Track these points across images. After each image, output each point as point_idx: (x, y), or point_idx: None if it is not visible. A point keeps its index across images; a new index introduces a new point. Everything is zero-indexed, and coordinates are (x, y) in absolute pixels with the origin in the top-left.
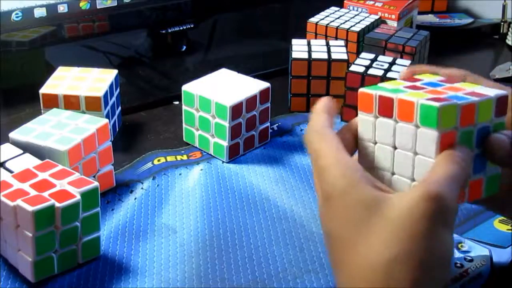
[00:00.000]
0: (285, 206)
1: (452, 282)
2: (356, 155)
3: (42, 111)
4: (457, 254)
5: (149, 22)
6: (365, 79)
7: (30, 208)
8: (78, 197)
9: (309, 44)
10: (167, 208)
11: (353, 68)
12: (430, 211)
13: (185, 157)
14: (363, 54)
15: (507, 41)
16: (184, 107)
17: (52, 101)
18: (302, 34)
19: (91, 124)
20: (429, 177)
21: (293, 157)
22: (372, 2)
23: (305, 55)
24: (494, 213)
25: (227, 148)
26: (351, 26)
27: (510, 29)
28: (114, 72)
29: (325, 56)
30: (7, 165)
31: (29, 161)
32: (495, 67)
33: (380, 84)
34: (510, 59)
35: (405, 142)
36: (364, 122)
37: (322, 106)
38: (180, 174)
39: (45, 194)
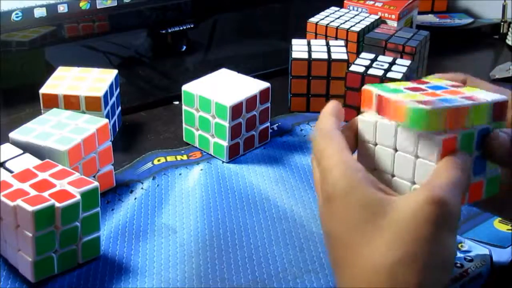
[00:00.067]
0: (285, 206)
1: (452, 282)
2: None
3: (42, 111)
4: (457, 254)
5: (149, 22)
6: (365, 79)
7: (30, 208)
8: (78, 197)
9: (309, 44)
10: (167, 208)
11: (353, 68)
12: (434, 215)
13: (185, 157)
14: (363, 54)
15: (507, 41)
16: (184, 107)
17: (52, 101)
18: (302, 34)
19: (91, 124)
20: (432, 182)
21: (293, 157)
22: (372, 2)
23: (305, 55)
24: None
25: (227, 148)
26: (351, 26)
27: (510, 29)
28: (114, 72)
29: (325, 56)
30: (7, 165)
31: (29, 161)
32: (495, 67)
33: (385, 84)
34: (510, 59)
35: (406, 145)
36: (365, 123)
37: (330, 108)
38: (180, 174)
39: (45, 194)
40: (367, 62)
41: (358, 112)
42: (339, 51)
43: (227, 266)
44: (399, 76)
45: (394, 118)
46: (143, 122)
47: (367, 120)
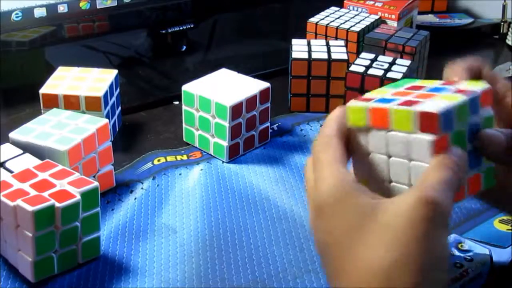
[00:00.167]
0: (285, 206)
1: (452, 282)
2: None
3: (42, 111)
4: (457, 254)
5: (149, 22)
6: (365, 79)
7: (30, 208)
8: (78, 197)
9: (309, 44)
10: (167, 208)
11: (353, 68)
12: (426, 215)
13: (185, 157)
14: (363, 54)
15: (507, 41)
16: (184, 107)
17: (52, 101)
18: (302, 34)
19: (91, 124)
20: (423, 182)
21: (293, 157)
22: (372, 2)
23: (305, 55)
24: (494, 213)
25: (227, 148)
26: (351, 26)
27: (510, 29)
28: (114, 72)
29: (325, 56)
30: (7, 165)
31: (29, 161)
32: (495, 67)
33: (367, 94)
34: (510, 59)
35: (398, 150)
36: (357, 133)
37: (336, 115)
38: (180, 174)
39: (45, 194)
40: (367, 62)
41: None
42: (339, 51)
43: (227, 266)
44: (399, 76)
45: (382, 125)
46: (143, 122)
47: (358, 132)
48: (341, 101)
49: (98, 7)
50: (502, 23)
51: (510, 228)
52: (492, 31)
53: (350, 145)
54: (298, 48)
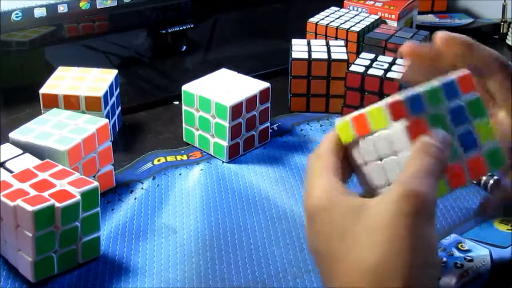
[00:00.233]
0: (285, 206)
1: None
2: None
3: (42, 111)
4: (457, 254)
5: (149, 22)
6: (365, 79)
7: (30, 208)
8: (78, 197)
9: (309, 44)
10: (167, 208)
11: (353, 68)
12: (409, 209)
13: (185, 157)
14: (363, 54)
15: (507, 41)
16: (184, 107)
17: (52, 101)
18: (302, 34)
19: (91, 124)
20: (403, 176)
21: (293, 157)
22: (372, 2)
23: (305, 55)
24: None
25: (227, 148)
26: (351, 26)
27: (510, 29)
28: (114, 72)
29: (325, 56)
30: (7, 165)
31: (29, 161)
32: None
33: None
34: (510, 59)
35: (384, 150)
36: (351, 150)
37: (329, 137)
38: (180, 174)
39: (45, 194)
40: (367, 62)
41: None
42: (339, 51)
43: (227, 266)
44: (399, 76)
45: (365, 131)
46: (143, 122)
47: (352, 145)
48: (341, 101)
49: (98, 7)
50: (502, 23)
51: (510, 228)
52: (492, 31)
53: (351, 162)
54: (298, 48)
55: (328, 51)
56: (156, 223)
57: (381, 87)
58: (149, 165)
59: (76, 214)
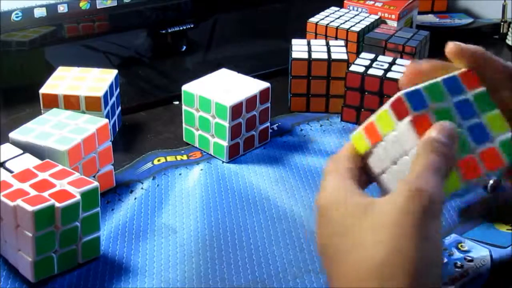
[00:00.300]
0: (285, 206)
1: (452, 282)
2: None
3: (42, 111)
4: (457, 254)
5: (149, 22)
6: (365, 79)
7: (30, 208)
8: (78, 197)
9: (309, 44)
10: (167, 208)
11: (353, 68)
12: (415, 208)
13: (185, 157)
14: (363, 54)
15: (507, 41)
16: (184, 107)
17: (52, 101)
18: (302, 34)
19: (91, 124)
20: (410, 175)
21: (293, 157)
22: (372, 2)
23: (305, 55)
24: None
25: (227, 148)
26: (351, 26)
27: (510, 29)
28: (114, 72)
29: (325, 56)
30: (7, 165)
31: (29, 161)
32: None
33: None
34: (510, 59)
35: (396, 151)
36: (369, 162)
37: (347, 148)
38: (180, 174)
39: (45, 194)
40: (367, 62)
41: (358, 112)
42: (339, 51)
43: (227, 266)
44: (399, 76)
45: (377, 138)
46: (143, 122)
47: (368, 156)
48: (341, 101)
49: (98, 7)
50: (502, 23)
51: (510, 228)
52: (492, 31)
53: (369, 174)
54: (298, 48)
55: (328, 51)
56: (156, 223)
57: (381, 87)
58: (149, 165)
59: (76, 214)
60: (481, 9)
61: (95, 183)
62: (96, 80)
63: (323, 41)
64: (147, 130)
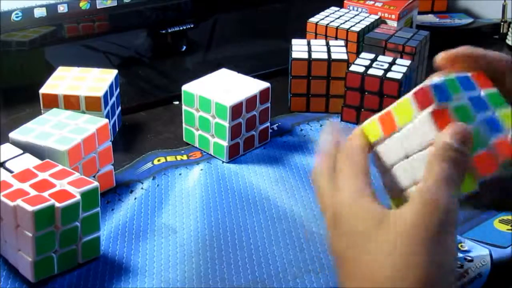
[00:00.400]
0: (285, 206)
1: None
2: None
3: (42, 111)
4: (457, 254)
5: (149, 22)
6: (365, 79)
7: (30, 208)
8: (78, 197)
9: (309, 44)
10: (167, 208)
11: (353, 68)
12: (430, 222)
13: (185, 157)
14: (363, 54)
15: (507, 41)
16: (184, 107)
17: (52, 101)
18: (302, 34)
19: (91, 124)
20: (423, 185)
21: (293, 157)
22: (372, 2)
23: (305, 55)
24: (494, 213)
25: (227, 148)
26: (351, 26)
27: (510, 29)
28: (114, 72)
29: (325, 56)
30: (7, 165)
31: (29, 161)
32: None
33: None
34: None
35: (412, 143)
36: (378, 152)
37: (359, 132)
38: (180, 174)
39: (45, 194)
40: (367, 62)
41: (358, 112)
42: (339, 51)
43: (227, 266)
44: (399, 76)
45: (393, 128)
46: (143, 122)
47: (378, 145)
48: (341, 101)
49: (98, 7)
50: (502, 23)
51: (510, 228)
52: (492, 31)
53: (376, 165)
54: (298, 48)
55: (328, 51)
56: (156, 223)
57: (381, 87)
58: (149, 165)
59: (76, 214)
60: (481, 9)
61: (95, 183)
62: (96, 80)
63: (323, 41)
64: (147, 130)
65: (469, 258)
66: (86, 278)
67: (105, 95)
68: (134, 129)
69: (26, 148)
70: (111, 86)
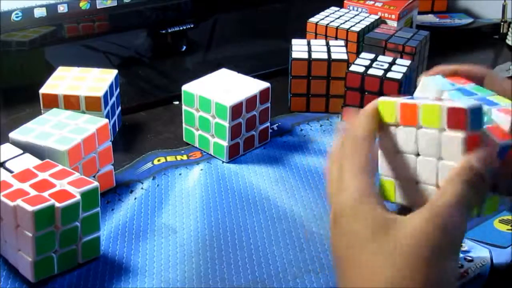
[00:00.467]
0: (285, 206)
1: None
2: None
3: (42, 111)
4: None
5: (149, 22)
6: (365, 79)
7: (30, 208)
8: (78, 197)
9: (309, 44)
10: (167, 208)
11: (353, 68)
12: (433, 241)
13: (185, 157)
14: (363, 54)
15: (507, 41)
16: (184, 107)
17: (52, 101)
18: (302, 34)
19: (91, 124)
20: (436, 201)
21: (293, 157)
22: (372, 2)
23: (305, 55)
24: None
25: (227, 148)
26: (351, 26)
27: (510, 29)
28: (114, 72)
29: (325, 56)
30: (7, 165)
31: (29, 161)
32: (495, 67)
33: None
34: (510, 59)
35: (428, 148)
36: (386, 131)
37: (369, 112)
38: (180, 174)
39: (45, 194)
40: (367, 62)
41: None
42: (339, 51)
43: (227, 266)
44: (399, 76)
45: (411, 122)
46: (143, 122)
47: (388, 127)
48: (341, 101)
49: (98, 7)
50: (502, 23)
51: (510, 228)
52: (492, 31)
53: (379, 142)
54: (298, 48)
55: (328, 51)
56: (156, 223)
57: (381, 87)
58: (149, 165)
59: (76, 214)
60: (481, 9)
61: (95, 183)
62: (96, 80)
63: (323, 41)
64: (147, 130)
65: (469, 258)
66: (86, 278)
67: (105, 95)
68: (134, 129)
69: (26, 148)
70: (111, 86)
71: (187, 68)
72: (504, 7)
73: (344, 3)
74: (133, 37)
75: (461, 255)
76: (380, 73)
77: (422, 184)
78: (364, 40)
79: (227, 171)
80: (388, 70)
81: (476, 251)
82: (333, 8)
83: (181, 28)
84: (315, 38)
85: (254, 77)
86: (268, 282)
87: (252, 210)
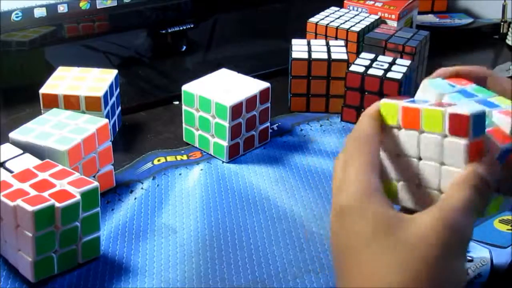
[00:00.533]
0: (285, 206)
1: None
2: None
3: (42, 111)
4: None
5: (149, 22)
6: (365, 79)
7: (30, 208)
8: (78, 197)
9: (309, 44)
10: (167, 208)
11: (353, 68)
12: (443, 240)
13: (185, 157)
14: (363, 54)
15: (507, 41)
16: (184, 107)
17: (52, 101)
18: (302, 34)
19: (91, 124)
20: (445, 203)
21: (293, 157)
22: (372, 2)
23: (305, 55)
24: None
25: (227, 148)
26: (351, 26)
27: (510, 29)
28: (114, 72)
29: (325, 56)
30: (7, 165)
31: (29, 161)
32: (495, 67)
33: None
34: (510, 59)
35: (431, 153)
36: (387, 133)
37: (374, 112)
38: (180, 174)
39: (45, 194)
40: (367, 62)
41: (358, 112)
42: (339, 51)
43: (227, 266)
44: (399, 76)
45: (413, 125)
46: (143, 122)
47: (390, 129)
48: (341, 101)
49: (98, 7)
50: (502, 23)
51: (510, 228)
52: (492, 31)
53: (382, 144)
54: (298, 48)
55: (328, 51)
56: (156, 223)
57: (381, 87)
58: (149, 165)
59: (76, 214)
60: (481, 9)
61: (95, 183)
62: (96, 80)
63: (323, 41)
64: (147, 130)
65: (469, 258)
66: (86, 278)
67: (105, 95)
68: (134, 129)
69: (26, 148)
70: (111, 86)
71: (187, 68)
72: (504, 7)
73: (344, 3)
74: (133, 37)
75: None
76: (380, 73)
77: (424, 188)
78: (364, 40)
79: (227, 171)
80: (388, 70)
81: (476, 251)
82: (333, 8)
83: (181, 28)
84: (315, 38)
85: (254, 77)
86: (268, 282)
87: (252, 210)
